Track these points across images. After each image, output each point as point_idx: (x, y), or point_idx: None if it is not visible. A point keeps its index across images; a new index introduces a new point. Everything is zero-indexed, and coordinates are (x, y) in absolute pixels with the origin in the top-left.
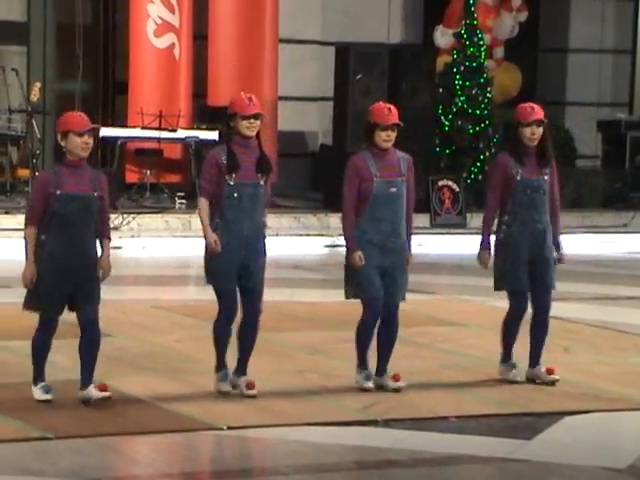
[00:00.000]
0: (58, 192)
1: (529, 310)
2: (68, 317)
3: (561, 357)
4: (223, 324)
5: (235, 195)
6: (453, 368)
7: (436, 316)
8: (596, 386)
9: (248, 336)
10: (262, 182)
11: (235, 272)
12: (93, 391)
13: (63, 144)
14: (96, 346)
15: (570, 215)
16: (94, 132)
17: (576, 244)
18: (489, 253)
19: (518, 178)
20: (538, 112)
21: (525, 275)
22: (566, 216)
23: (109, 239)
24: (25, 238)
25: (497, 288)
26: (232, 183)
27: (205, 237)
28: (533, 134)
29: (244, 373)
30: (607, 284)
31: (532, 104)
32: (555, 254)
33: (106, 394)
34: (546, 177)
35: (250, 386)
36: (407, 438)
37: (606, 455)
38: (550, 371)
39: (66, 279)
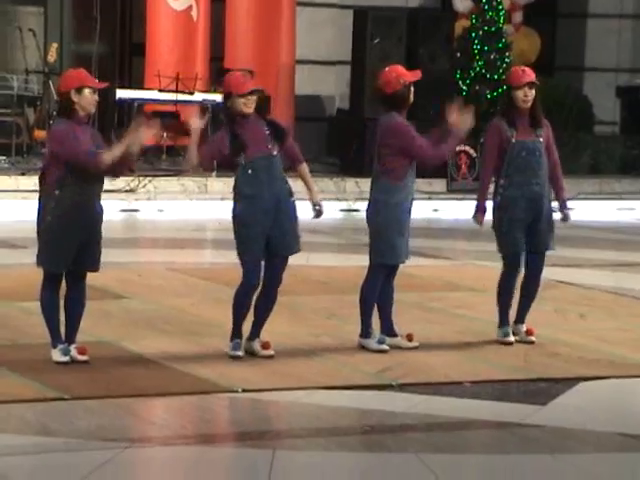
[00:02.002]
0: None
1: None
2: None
3: (577, 323)
4: (242, 295)
5: (250, 172)
6: (468, 333)
7: (452, 281)
8: (611, 352)
9: (265, 302)
10: (275, 152)
11: (260, 243)
12: (74, 352)
13: (76, 100)
14: (83, 304)
15: (587, 181)
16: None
17: (593, 210)
18: (483, 215)
19: (513, 141)
20: (530, 74)
21: (521, 237)
22: (583, 182)
23: None
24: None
25: (500, 251)
26: (244, 162)
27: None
28: (526, 96)
29: (258, 336)
30: (624, 251)
31: (523, 67)
32: (560, 214)
33: (84, 357)
34: (540, 139)
35: (266, 346)
36: (422, 403)
37: (621, 421)
38: (530, 332)
39: (78, 235)
